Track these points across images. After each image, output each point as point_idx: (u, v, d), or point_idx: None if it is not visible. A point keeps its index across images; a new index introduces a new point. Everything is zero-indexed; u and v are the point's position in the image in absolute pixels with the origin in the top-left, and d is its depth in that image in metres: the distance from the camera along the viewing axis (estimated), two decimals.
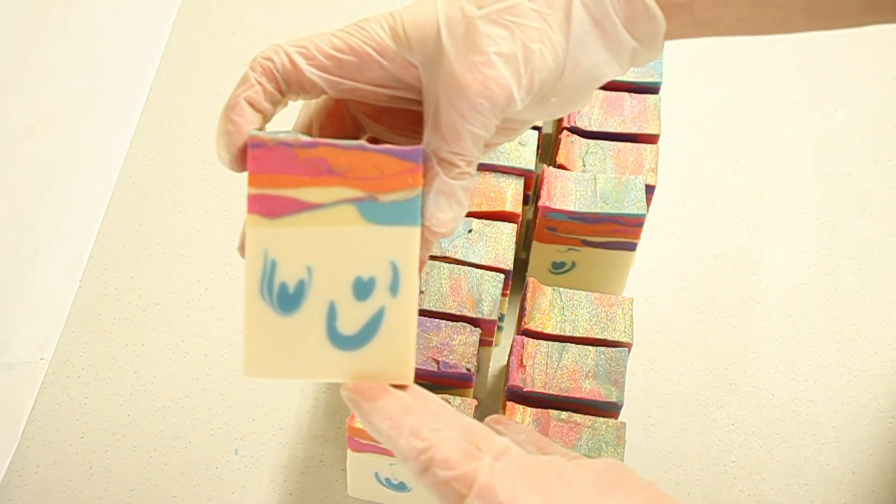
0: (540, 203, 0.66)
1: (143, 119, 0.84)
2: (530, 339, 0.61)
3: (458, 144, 0.42)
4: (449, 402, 0.57)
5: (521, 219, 0.67)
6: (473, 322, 0.61)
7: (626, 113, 0.70)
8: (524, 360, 0.60)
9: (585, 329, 0.62)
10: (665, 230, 0.79)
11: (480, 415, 0.53)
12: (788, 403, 0.71)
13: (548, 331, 0.61)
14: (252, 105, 0.43)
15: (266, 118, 0.44)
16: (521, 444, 0.43)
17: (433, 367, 0.59)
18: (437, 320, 0.61)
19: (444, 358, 0.60)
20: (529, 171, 0.68)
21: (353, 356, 0.43)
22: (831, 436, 0.70)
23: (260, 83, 0.43)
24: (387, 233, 0.42)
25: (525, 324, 0.62)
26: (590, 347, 0.61)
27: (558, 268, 0.71)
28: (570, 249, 0.69)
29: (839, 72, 0.90)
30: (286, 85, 0.43)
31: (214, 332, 0.73)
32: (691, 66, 0.89)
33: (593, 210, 0.65)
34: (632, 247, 0.68)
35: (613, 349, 0.61)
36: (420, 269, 0.43)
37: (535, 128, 0.70)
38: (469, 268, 0.63)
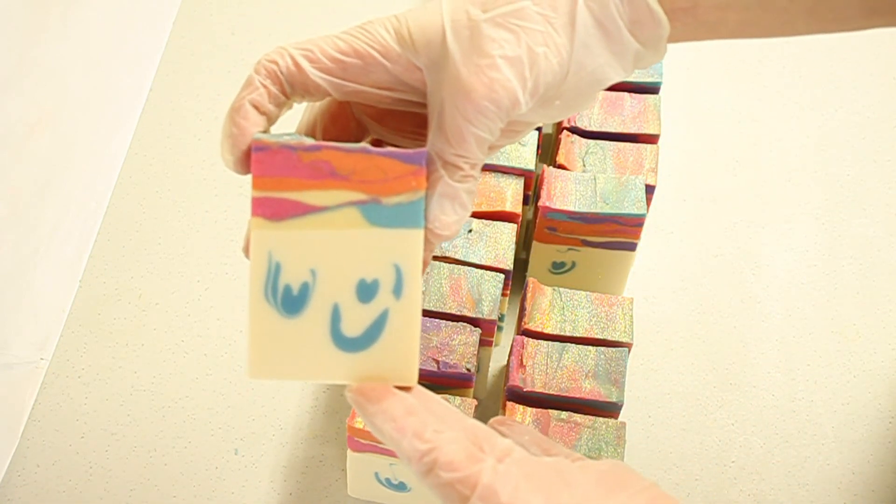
0: (540, 203, 0.66)
1: (143, 119, 0.84)
2: (530, 339, 0.61)
3: (462, 147, 0.42)
4: (449, 402, 0.57)
5: (521, 219, 0.67)
6: (473, 322, 0.61)
7: (626, 113, 0.70)
8: (524, 360, 0.60)
9: (585, 329, 0.62)
10: (665, 230, 0.79)
11: (480, 415, 0.53)
12: (788, 403, 0.71)
13: (548, 331, 0.61)
14: (256, 108, 0.43)
15: (270, 121, 0.44)
16: (525, 445, 0.43)
17: (433, 367, 0.59)
18: (437, 320, 0.61)
19: (444, 358, 0.60)
20: (529, 171, 0.68)
21: (357, 358, 0.43)
22: (831, 436, 0.70)
23: (264, 86, 0.43)
24: (390, 235, 0.42)
25: (525, 324, 0.62)
26: (590, 347, 0.61)
27: (558, 268, 0.71)
28: (570, 249, 0.69)
29: (839, 72, 0.90)
30: (290, 87, 0.43)
31: (214, 332, 0.73)
32: (691, 66, 0.89)
33: (593, 210, 0.65)
34: (632, 247, 0.68)
35: (613, 349, 0.61)
36: (423, 271, 0.43)
37: (535, 128, 0.70)
38: (469, 268, 0.63)
